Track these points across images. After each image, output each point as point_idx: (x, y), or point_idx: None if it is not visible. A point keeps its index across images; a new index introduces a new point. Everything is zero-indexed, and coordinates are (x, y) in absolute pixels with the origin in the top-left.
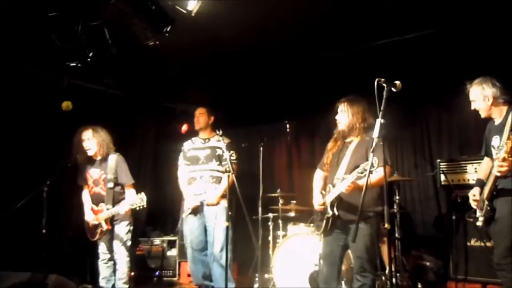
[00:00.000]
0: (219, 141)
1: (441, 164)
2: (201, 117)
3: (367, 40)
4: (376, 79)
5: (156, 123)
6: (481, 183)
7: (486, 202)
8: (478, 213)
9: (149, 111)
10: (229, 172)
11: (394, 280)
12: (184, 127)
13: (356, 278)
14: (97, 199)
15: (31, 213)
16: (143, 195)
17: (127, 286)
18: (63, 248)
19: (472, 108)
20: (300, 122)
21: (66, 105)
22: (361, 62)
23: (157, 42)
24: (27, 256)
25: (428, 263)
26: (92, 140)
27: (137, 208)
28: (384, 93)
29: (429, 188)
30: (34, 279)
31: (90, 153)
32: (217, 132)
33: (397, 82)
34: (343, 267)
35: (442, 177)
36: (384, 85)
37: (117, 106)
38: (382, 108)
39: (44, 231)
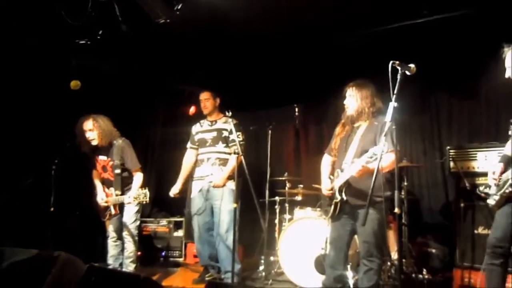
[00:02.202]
0: (226, 123)
1: (450, 151)
2: (207, 102)
3: (377, 24)
4: (391, 62)
5: (165, 105)
6: (506, 160)
7: (510, 181)
8: (493, 190)
9: (157, 93)
10: (237, 153)
11: (399, 265)
12: (192, 109)
13: (363, 263)
14: (107, 184)
15: (39, 192)
16: (146, 191)
17: (134, 265)
18: (70, 226)
19: (507, 76)
20: (309, 106)
21: (75, 84)
22: (371, 46)
23: (168, 21)
24: (35, 234)
25: (434, 250)
26: (93, 131)
27: (142, 202)
28: (398, 76)
29: (438, 175)
30: (42, 255)
31: (93, 143)
32: (227, 113)
33: (412, 65)
34: (350, 252)
35: (451, 164)
36: (399, 68)
37: (125, 89)
38: (395, 91)
39: (52, 209)
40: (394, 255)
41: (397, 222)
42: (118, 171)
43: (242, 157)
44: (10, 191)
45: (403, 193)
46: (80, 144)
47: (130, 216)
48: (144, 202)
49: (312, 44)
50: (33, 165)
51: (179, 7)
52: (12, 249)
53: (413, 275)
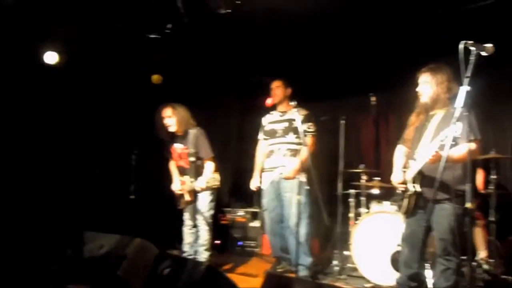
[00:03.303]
0: (297, 113)
1: None
2: (277, 89)
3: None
4: (462, 42)
5: (241, 96)
6: None
7: None
8: None
9: (234, 86)
10: (304, 145)
11: (486, 266)
12: (269, 100)
13: (440, 262)
14: (182, 172)
15: (120, 180)
16: (216, 175)
17: (208, 253)
18: (151, 214)
19: None
20: (389, 95)
21: (157, 78)
22: (451, 26)
23: (229, 10)
24: (117, 220)
25: None
26: (172, 118)
27: (213, 187)
28: (472, 58)
29: None
30: (121, 240)
31: (171, 129)
32: (292, 103)
33: (488, 45)
34: (430, 250)
35: None
36: (472, 48)
37: (203, 81)
38: (468, 74)
39: (132, 197)
40: (480, 255)
41: (469, 218)
42: (192, 159)
43: (308, 149)
44: (93, 180)
45: (491, 187)
46: (158, 131)
47: (204, 204)
48: (215, 187)
49: (391, 27)
50: (115, 155)
51: None
52: (94, 233)
53: (502, 276)
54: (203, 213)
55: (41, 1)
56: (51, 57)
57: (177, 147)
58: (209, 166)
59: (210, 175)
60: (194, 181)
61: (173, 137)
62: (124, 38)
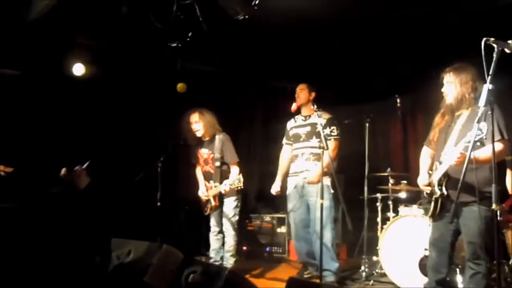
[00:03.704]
0: (320, 117)
1: None
2: (301, 93)
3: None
4: (484, 39)
5: (265, 102)
6: None
7: None
8: None
9: (259, 91)
10: (324, 148)
11: None
12: (294, 106)
13: (469, 266)
14: (207, 177)
15: (147, 187)
16: (240, 177)
17: (234, 259)
18: (178, 220)
19: None
20: (415, 96)
21: (181, 86)
22: (482, 25)
23: (247, 16)
24: (143, 227)
25: None
26: (199, 123)
27: (237, 188)
28: (494, 55)
29: None
30: (148, 246)
31: (198, 134)
32: (313, 107)
33: (511, 42)
34: (460, 254)
35: None
36: (494, 45)
37: (228, 87)
38: (491, 72)
39: (159, 204)
40: None
41: (496, 220)
42: (218, 163)
43: (329, 153)
44: (121, 187)
45: None
46: (186, 137)
47: (229, 210)
48: (239, 188)
49: (414, 28)
50: (143, 162)
51: (257, 1)
52: (121, 240)
53: None
54: (229, 219)
55: (67, 13)
56: (78, 69)
57: (203, 152)
58: (235, 171)
59: (234, 177)
60: (219, 186)
61: (200, 142)
62: (148, 48)
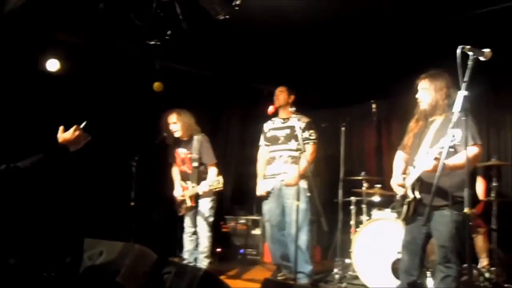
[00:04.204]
0: (299, 121)
1: None
2: (281, 95)
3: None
4: (460, 47)
5: (243, 104)
6: None
7: None
8: None
9: (236, 93)
10: (302, 151)
11: (488, 274)
12: (271, 108)
13: (439, 269)
14: (184, 177)
15: (121, 187)
16: (220, 178)
17: (208, 260)
18: (152, 221)
19: None
20: (391, 102)
21: (158, 85)
22: (457, 33)
23: (227, 17)
24: (116, 227)
25: None
26: (177, 123)
27: (217, 189)
28: (469, 63)
29: None
30: (120, 247)
31: (176, 134)
32: (291, 109)
33: (486, 50)
34: (431, 258)
35: None
36: (469, 53)
37: (205, 88)
38: (465, 79)
39: (132, 203)
40: (482, 263)
41: (468, 224)
42: (196, 164)
43: (307, 156)
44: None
45: (492, 194)
46: (163, 136)
47: (205, 211)
48: (218, 189)
49: (390, 34)
50: (116, 162)
51: (237, 2)
52: (93, 240)
53: (504, 285)
54: (204, 220)
55: (44, 8)
56: (52, 65)
57: (181, 151)
58: (213, 172)
59: (213, 178)
60: (196, 186)
61: (177, 142)
62: (126, 45)
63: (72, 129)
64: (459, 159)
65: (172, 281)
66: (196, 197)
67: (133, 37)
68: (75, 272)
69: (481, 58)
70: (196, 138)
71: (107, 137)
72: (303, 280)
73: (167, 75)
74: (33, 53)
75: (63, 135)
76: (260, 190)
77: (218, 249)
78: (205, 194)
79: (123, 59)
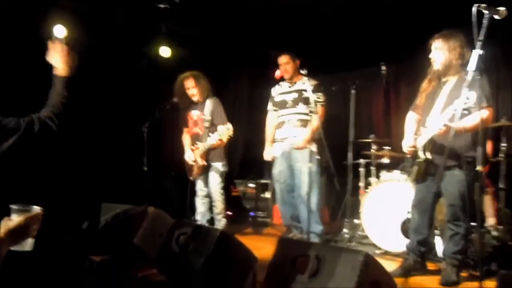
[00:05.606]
0: (306, 83)
1: None
2: (287, 65)
3: None
4: (475, 5)
5: (251, 68)
6: None
7: None
8: None
9: (243, 57)
10: (315, 113)
11: (495, 232)
12: (278, 73)
13: (449, 227)
14: (195, 139)
15: (134, 153)
16: (229, 125)
17: (225, 220)
18: (164, 185)
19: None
20: (401, 65)
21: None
22: None
23: None
24: (130, 191)
25: None
26: (195, 88)
27: (226, 138)
28: (484, 21)
29: None
30: (135, 210)
31: (195, 99)
32: (301, 71)
33: (501, 9)
34: (439, 217)
35: None
36: (485, 11)
37: (212, 52)
38: (481, 37)
39: (145, 168)
40: (489, 222)
41: (480, 182)
42: (207, 124)
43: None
44: (107, 153)
45: (500, 155)
46: (179, 101)
47: (217, 175)
48: (229, 136)
49: None
50: (128, 128)
51: None
52: (109, 205)
53: (510, 243)
54: (216, 183)
55: None
56: (59, 31)
57: (194, 114)
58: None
59: (222, 128)
60: (207, 141)
61: (192, 105)
62: (135, 8)
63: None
64: (472, 121)
65: (188, 241)
66: (207, 160)
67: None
68: (92, 236)
69: (496, 17)
70: (210, 101)
71: (118, 104)
72: (314, 239)
73: (174, 38)
74: (37, 19)
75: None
76: (267, 156)
77: (229, 212)
78: (216, 158)
79: (132, 24)
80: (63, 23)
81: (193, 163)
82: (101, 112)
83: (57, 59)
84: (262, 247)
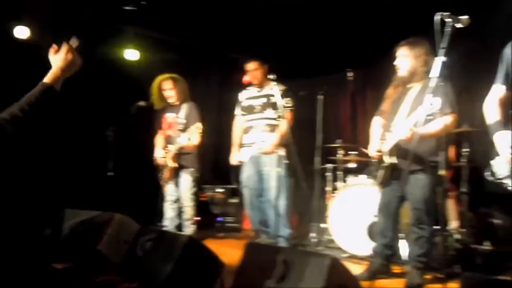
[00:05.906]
0: (274, 89)
1: None
2: (256, 71)
3: None
4: (438, 14)
5: (220, 72)
6: None
7: None
8: None
9: (212, 61)
10: (282, 118)
11: (458, 235)
12: (247, 78)
13: (413, 230)
14: (169, 142)
15: (99, 158)
16: (198, 124)
17: (194, 226)
18: (131, 190)
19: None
20: (367, 71)
21: None
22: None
23: None
24: (96, 197)
25: (499, 221)
26: (172, 90)
27: (197, 137)
28: (447, 29)
29: None
30: (99, 217)
31: (171, 101)
32: (270, 77)
33: (464, 17)
34: (403, 221)
35: None
36: (448, 20)
37: (182, 56)
38: (444, 45)
39: (111, 174)
40: (452, 225)
41: (443, 186)
42: (181, 128)
43: (286, 123)
44: (71, 157)
45: (462, 160)
46: (154, 102)
47: (188, 180)
48: (199, 134)
49: (362, 4)
50: (93, 131)
51: None
52: (73, 211)
53: (472, 245)
54: (187, 189)
55: None
56: (22, 32)
57: (169, 116)
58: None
59: (192, 129)
60: (178, 142)
61: (167, 107)
62: (101, 10)
63: (63, 50)
64: (436, 127)
65: (153, 248)
66: (180, 165)
67: (109, 3)
68: (54, 243)
69: (459, 25)
70: (186, 105)
71: (82, 107)
72: (282, 243)
73: (143, 41)
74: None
75: (54, 56)
76: (233, 160)
77: (197, 218)
78: (189, 164)
79: (97, 26)
80: (27, 24)
81: (163, 161)
82: (65, 114)
83: (58, 58)
84: (230, 253)
